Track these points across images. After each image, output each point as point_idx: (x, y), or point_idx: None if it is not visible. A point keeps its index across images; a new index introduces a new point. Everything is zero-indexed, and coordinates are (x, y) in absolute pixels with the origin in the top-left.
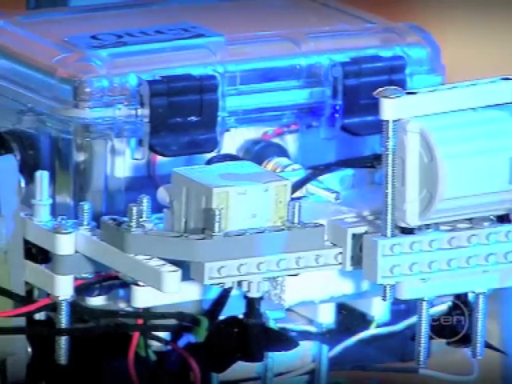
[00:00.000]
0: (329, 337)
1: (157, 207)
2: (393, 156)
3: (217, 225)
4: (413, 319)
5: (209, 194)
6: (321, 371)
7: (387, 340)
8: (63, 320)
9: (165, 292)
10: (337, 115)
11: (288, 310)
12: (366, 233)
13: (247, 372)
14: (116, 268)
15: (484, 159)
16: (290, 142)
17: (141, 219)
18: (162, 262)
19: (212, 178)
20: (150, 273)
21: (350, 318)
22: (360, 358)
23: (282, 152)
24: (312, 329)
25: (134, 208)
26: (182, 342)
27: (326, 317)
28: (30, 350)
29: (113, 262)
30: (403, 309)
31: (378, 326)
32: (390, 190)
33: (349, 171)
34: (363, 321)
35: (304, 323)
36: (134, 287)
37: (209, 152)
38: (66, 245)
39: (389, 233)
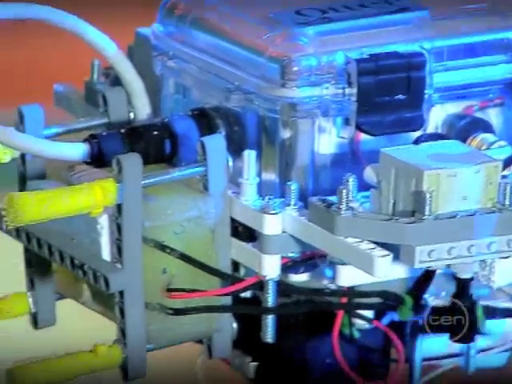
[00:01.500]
0: None
1: (360, 184)
2: None
3: (427, 208)
4: None
5: (419, 177)
6: None
7: None
8: (270, 299)
9: (376, 277)
10: None
11: None
12: None
13: (449, 348)
14: (324, 249)
15: None
16: (495, 117)
17: (348, 199)
18: (373, 246)
19: (421, 159)
20: (361, 256)
21: None
22: None
23: (487, 128)
24: None
25: (344, 191)
26: (385, 321)
27: None
28: (235, 326)
29: (321, 244)
30: None
31: None
32: None
33: None
34: None
35: (508, 300)
36: (339, 266)
37: (415, 130)
38: (273, 225)
39: None
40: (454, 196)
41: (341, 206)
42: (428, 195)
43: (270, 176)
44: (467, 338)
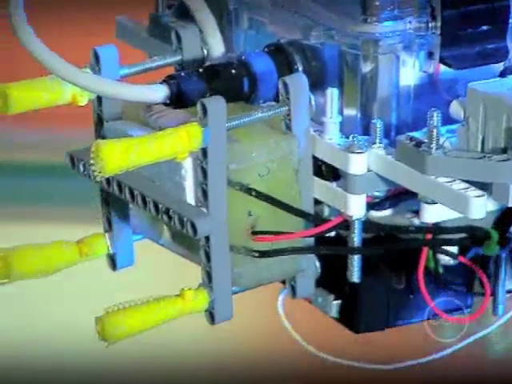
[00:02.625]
0: None
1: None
2: None
3: None
4: None
5: (510, 113)
6: None
7: None
8: (356, 238)
9: (472, 218)
10: None
11: None
12: None
13: None
14: (414, 189)
15: None
16: None
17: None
18: (466, 186)
19: (510, 94)
20: (455, 197)
21: None
22: None
23: None
24: None
25: (434, 130)
26: (470, 255)
27: None
28: (318, 264)
29: (411, 183)
30: None
31: None
32: None
33: None
34: None
35: None
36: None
37: (500, 62)
38: (359, 164)
39: None
40: None
41: (431, 146)
42: None
43: (352, 112)
44: None
